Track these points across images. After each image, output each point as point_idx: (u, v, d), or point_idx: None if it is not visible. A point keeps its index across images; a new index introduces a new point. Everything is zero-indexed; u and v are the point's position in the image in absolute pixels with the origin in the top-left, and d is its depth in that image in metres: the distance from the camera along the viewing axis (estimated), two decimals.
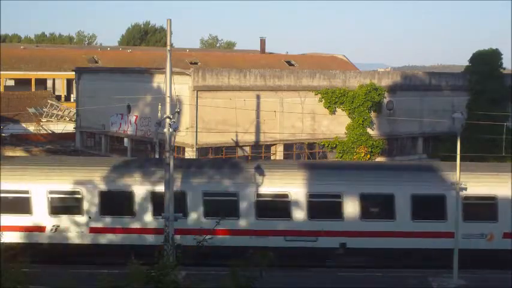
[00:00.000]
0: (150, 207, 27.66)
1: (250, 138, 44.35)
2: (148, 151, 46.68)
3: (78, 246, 27.62)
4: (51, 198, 27.68)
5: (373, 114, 48.42)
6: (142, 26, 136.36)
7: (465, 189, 27.21)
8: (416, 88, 51.48)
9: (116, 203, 27.95)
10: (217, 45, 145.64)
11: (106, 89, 49.84)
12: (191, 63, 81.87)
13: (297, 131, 46.03)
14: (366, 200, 28.55)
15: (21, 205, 27.71)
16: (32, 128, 63.65)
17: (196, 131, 42.08)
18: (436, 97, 51.94)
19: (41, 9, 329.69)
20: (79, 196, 27.67)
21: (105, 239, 27.79)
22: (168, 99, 25.42)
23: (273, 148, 45.72)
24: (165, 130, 25.23)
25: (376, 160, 48.82)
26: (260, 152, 45.17)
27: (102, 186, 27.68)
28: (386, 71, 62.00)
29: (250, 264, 10.47)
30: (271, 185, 28.16)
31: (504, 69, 55.67)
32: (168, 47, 25.82)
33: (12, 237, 26.81)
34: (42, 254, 26.59)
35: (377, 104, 48.30)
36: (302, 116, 46.07)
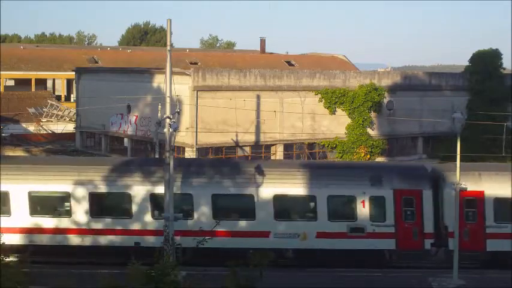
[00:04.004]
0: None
1: (250, 138, 44.34)
2: (148, 151, 46.69)
3: None
4: None
5: (373, 114, 48.42)
6: (142, 26, 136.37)
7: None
8: (416, 88, 51.47)
9: None
10: (217, 45, 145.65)
11: (106, 89, 49.82)
12: (191, 63, 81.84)
13: (297, 131, 46.03)
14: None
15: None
16: (32, 128, 63.60)
17: (196, 131, 42.09)
18: (436, 97, 51.92)
19: (41, 9, 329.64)
20: None
21: None
22: (168, 99, 25.42)
23: (273, 148, 45.72)
24: (165, 130, 25.24)
25: (376, 160, 48.83)
26: (260, 152, 45.17)
27: None
28: (387, 71, 61.97)
29: (250, 264, 10.46)
30: None
31: (504, 69, 55.66)
32: (168, 47, 25.83)
33: None
34: None
35: (377, 104, 48.29)
36: (302, 116, 46.07)
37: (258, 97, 44.55)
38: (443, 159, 50.11)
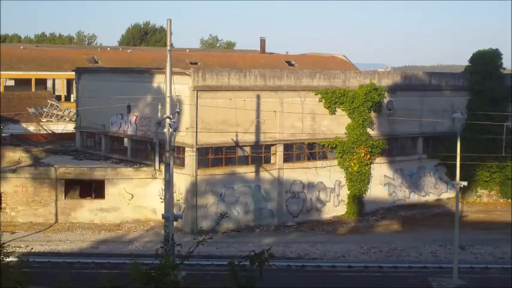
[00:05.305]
0: None
1: (250, 138, 44.34)
2: (148, 151, 46.69)
3: None
4: None
5: (373, 114, 48.40)
6: (142, 26, 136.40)
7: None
8: (416, 88, 51.45)
9: None
10: (217, 45, 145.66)
11: (106, 89, 49.84)
12: (191, 63, 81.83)
13: (297, 131, 46.02)
14: None
15: None
16: (32, 128, 63.59)
17: (196, 131, 42.08)
18: (436, 97, 51.92)
19: (41, 9, 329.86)
20: None
21: None
22: (168, 99, 25.45)
23: (273, 148, 45.72)
24: (165, 130, 25.29)
25: (377, 160, 48.85)
26: (260, 152, 45.17)
27: None
28: (387, 71, 61.94)
29: (250, 264, 10.45)
30: None
31: (504, 69, 55.63)
32: (168, 47, 25.89)
33: None
34: None
35: (377, 104, 48.28)
36: (302, 116, 46.06)
37: (258, 97, 44.53)
38: (443, 159, 50.20)
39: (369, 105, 47.68)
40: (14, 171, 44.63)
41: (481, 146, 50.31)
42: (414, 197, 51.74)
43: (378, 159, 49.02)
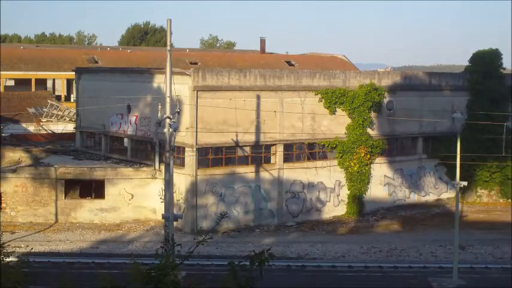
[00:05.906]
0: None
1: (250, 138, 44.34)
2: (148, 151, 46.69)
3: None
4: None
5: (373, 114, 48.40)
6: (142, 26, 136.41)
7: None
8: (416, 88, 51.45)
9: None
10: (217, 45, 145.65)
11: (106, 89, 49.85)
12: (191, 63, 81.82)
13: (297, 131, 46.02)
14: None
15: None
16: (32, 128, 63.59)
17: (196, 131, 42.08)
18: (436, 97, 51.92)
19: (41, 9, 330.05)
20: None
21: None
22: (168, 99, 25.46)
23: (273, 148, 45.72)
24: (165, 130, 25.30)
25: (377, 160, 48.85)
26: (260, 152, 45.16)
27: None
28: (387, 71, 61.94)
29: (250, 264, 10.44)
30: None
31: (504, 69, 55.64)
32: (168, 47, 25.90)
33: None
34: None
35: (377, 104, 48.28)
36: (302, 116, 46.06)
37: (258, 97, 44.53)
38: (443, 159, 50.21)
39: (369, 105, 47.68)
40: (14, 171, 44.64)
41: (481, 146, 50.32)
42: (414, 197, 51.75)
43: (378, 159, 49.03)
